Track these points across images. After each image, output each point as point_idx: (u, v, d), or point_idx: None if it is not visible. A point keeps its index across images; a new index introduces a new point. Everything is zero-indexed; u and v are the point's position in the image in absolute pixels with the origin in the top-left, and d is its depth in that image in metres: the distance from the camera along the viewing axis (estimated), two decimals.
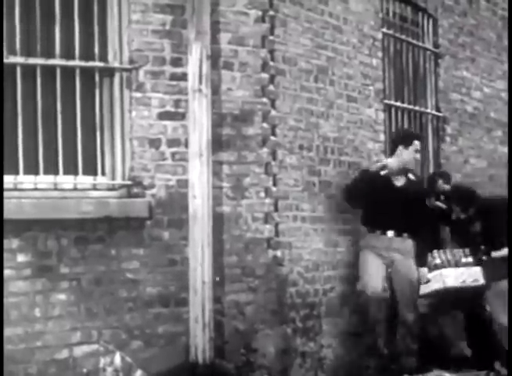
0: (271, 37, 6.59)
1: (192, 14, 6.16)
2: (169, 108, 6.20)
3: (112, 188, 6.10)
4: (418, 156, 7.40)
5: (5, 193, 5.63)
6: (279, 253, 6.60)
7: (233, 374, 6.21)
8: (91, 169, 6.07)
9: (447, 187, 8.39)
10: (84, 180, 6.01)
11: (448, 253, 7.65)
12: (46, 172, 5.90)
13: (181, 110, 6.21)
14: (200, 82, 6.18)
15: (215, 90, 6.29)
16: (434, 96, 9.00)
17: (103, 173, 6.12)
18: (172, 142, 6.20)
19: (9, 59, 5.78)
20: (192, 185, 6.18)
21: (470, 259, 7.61)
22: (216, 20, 6.29)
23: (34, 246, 5.72)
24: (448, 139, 9.14)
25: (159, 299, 6.12)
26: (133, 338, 6.02)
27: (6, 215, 5.50)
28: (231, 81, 6.38)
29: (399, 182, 7.27)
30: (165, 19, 6.17)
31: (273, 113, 6.61)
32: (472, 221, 7.72)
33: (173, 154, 6.20)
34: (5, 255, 5.61)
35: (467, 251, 7.62)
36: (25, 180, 5.82)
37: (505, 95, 9.91)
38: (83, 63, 6.01)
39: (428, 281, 7.37)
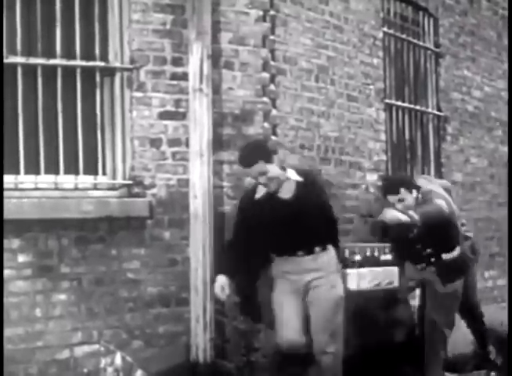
0: (271, 37, 6.56)
1: (192, 14, 6.14)
2: (170, 108, 6.17)
3: (113, 188, 6.07)
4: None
5: (6, 193, 5.62)
6: None
7: (234, 373, 6.18)
8: (91, 169, 6.04)
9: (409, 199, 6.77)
10: (84, 180, 5.99)
11: (368, 249, 6.67)
12: (47, 172, 5.88)
13: (181, 110, 6.19)
14: (201, 82, 6.15)
15: (216, 90, 6.26)
16: (434, 96, 8.95)
17: (104, 173, 6.10)
18: (173, 142, 6.18)
19: (9, 59, 5.76)
20: (193, 184, 6.15)
21: (389, 257, 6.72)
22: (217, 20, 6.26)
23: (35, 246, 5.70)
24: (448, 138, 9.09)
25: (160, 299, 6.10)
26: (134, 338, 6.00)
27: (7, 215, 5.47)
28: (232, 80, 6.35)
29: (285, 194, 5.74)
30: (166, 19, 6.14)
31: (274, 112, 6.58)
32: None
33: (174, 154, 6.17)
34: (6, 255, 5.59)
35: (388, 247, 6.72)
36: (26, 180, 5.80)
37: (505, 94, 9.86)
38: (84, 63, 5.98)
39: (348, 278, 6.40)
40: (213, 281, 5.91)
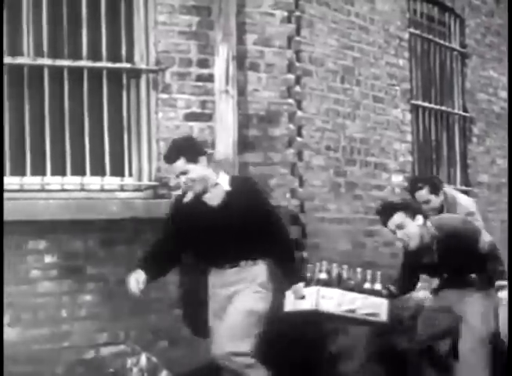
0: (297, 38, 6.54)
1: (218, 15, 6.11)
2: (195, 109, 6.15)
3: (138, 189, 6.06)
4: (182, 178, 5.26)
5: (33, 194, 5.65)
6: (305, 254, 6.52)
7: None
8: (118, 170, 6.04)
9: (434, 200, 6.58)
10: (111, 181, 5.98)
11: (344, 270, 5.52)
12: (73, 173, 5.88)
13: (207, 111, 6.16)
14: (227, 83, 6.12)
15: (241, 91, 6.24)
16: (460, 96, 8.89)
17: (130, 174, 6.09)
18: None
19: (36, 61, 5.77)
20: None
21: (377, 286, 5.54)
22: (242, 21, 6.24)
23: (61, 247, 5.70)
24: (474, 139, 9.02)
25: None
26: (159, 339, 5.97)
27: (34, 216, 5.49)
28: (257, 82, 6.34)
29: (213, 200, 5.27)
30: (192, 21, 6.12)
31: (299, 114, 6.55)
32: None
33: None
34: (33, 256, 5.62)
35: (378, 274, 5.57)
36: (52, 181, 5.80)
37: None
38: (110, 65, 5.98)
39: (303, 297, 5.39)
40: None
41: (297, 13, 6.52)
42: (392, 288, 5.67)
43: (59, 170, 5.84)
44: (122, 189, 6.03)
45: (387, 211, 5.55)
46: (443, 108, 8.62)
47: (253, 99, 6.31)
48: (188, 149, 5.20)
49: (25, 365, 5.41)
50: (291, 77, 6.47)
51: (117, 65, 6.01)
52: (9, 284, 5.52)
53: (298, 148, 6.52)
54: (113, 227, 5.84)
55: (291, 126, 6.47)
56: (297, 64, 6.52)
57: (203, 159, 5.20)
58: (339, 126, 7.06)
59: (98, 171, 5.95)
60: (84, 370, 5.68)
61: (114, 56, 6.01)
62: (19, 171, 5.72)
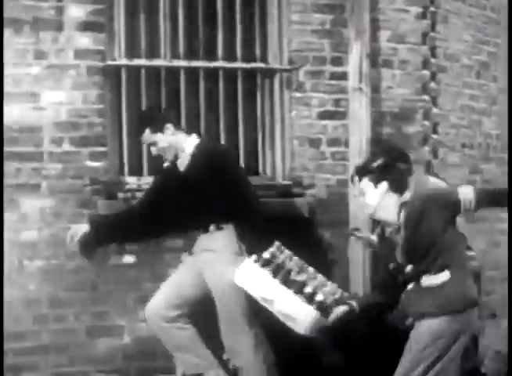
0: (432, 34, 6.37)
1: (351, 13, 6.03)
2: (329, 107, 6.08)
3: (272, 188, 6.01)
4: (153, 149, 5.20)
5: None
6: None
7: None
8: (252, 169, 6.02)
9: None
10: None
11: (293, 262, 4.89)
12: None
13: (341, 110, 6.08)
14: (360, 81, 6.03)
15: (375, 88, 6.14)
16: None
17: (264, 173, 6.07)
18: (332, 142, 6.09)
19: (172, 63, 5.82)
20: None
21: (319, 297, 4.67)
22: (375, 18, 6.14)
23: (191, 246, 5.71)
24: None
25: None
26: None
27: None
28: (391, 79, 6.23)
29: (182, 165, 5.17)
30: (325, 19, 6.05)
31: (434, 110, 6.39)
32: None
33: (333, 154, 6.07)
34: (169, 255, 5.65)
35: (328, 284, 4.78)
36: None
37: None
38: (244, 65, 5.98)
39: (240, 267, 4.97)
40: (371, 281, 5.79)
41: (432, 9, 6.35)
42: (353, 304, 4.44)
43: None
44: (256, 188, 5.98)
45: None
46: None
47: (387, 97, 6.21)
48: (151, 120, 5.15)
49: None
50: (426, 73, 6.32)
51: (252, 65, 6.01)
52: (146, 282, 5.60)
53: (433, 145, 6.36)
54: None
55: (426, 123, 6.33)
56: (432, 60, 6.35)
57: (168, 127, 5.10)
58: (474, 123, 6.86)
59: None
60: None
61: (248, 57, 6.01)
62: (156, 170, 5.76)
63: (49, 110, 5.49)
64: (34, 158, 5.46)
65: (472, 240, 6.38)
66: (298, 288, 4.71)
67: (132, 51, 5.77)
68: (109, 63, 5.65)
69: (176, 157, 5.14)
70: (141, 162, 5.81)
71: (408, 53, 6.25)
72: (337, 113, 6.09)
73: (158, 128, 5.08)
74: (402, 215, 4.22)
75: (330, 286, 4.78)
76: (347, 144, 6.07)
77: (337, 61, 6.07)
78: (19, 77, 5.42)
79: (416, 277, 4.26)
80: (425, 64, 6.31)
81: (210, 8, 5.93)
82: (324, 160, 6.06)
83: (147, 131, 5.10)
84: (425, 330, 4.15)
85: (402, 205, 4.22)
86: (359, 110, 6.04)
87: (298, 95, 6.03)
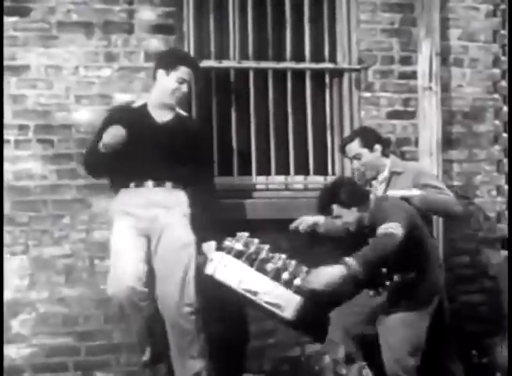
0: (502, 32, 6.17)
1: (421, 11, 5.89)
2: (398, 107, 5.95)
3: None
4: (184, 87, 5.08)
5: (241, 194, 5.65)
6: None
7: None
8: (321, 169, 5.94)
9: (364, 153, 5.35)
10: (315, 180, 5.86)
11: (264, 250, 4.93)
12: (278, 173, 5.84)
13: (410, 109, 5.95)
14: (430, 80, 5.89)
15: (445, 87, 6.00)
16: None
17: (333, 173, 5.97)
18: (402, 141, 5.95)
19: (241, 64, 5.76)
20: None
21: (297, 281, 4.86)
22: (445, 17, 6.00)
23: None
24: None
25: None
26: None
27: (242, 215, 5.52)
28: (461, 77, 6.08)
29: (163, 117, 5.09)
30: (394, 18, 5.92)
31: (505, 109, 6.18)
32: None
33: (403, 153, 5.92)
34: None
35: (302, 269, 4.90)
36: (258, 181, 5.81)
37: None
38: (313, 65, 5.89)
39: (211, 260, 4.87)
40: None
41: (503, 6, 6.15)
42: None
43: (264, 170, 5.82)
44: None
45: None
46: None
47: (457, 95, 6.07)
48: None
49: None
50: (497, 71, 6.14)
51: (320, 65, 5.92)
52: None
53: (504, 144, 6.16)
54: None
55: (497, 122, 6.15)
56: (503, 58, 6.15)
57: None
58: None
59: (302, 170, 5.86)
60: (289, 368, 5.59)
61: (317, 57, 5.93)
62: (227, 171, 5.72)
63: None
64: None
65: None
66: (275, 275, 4.76)
67: (202, 52, 5.73)
68: None
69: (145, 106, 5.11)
70: None
71: (478, 51, 6.09)
72: (407, 113, 5.95)
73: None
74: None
75: (292, 266, 4.84)
76: (416, 143, 5.93)
77: (406, 60, 5.94)
78: (90, 79, 5.42)
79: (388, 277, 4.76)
80: (496, 62, 6.14)
81: (278, 9, 5.86)
82: None
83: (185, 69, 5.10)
84: (398, 324, 4.68)
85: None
86: (429, 109, 5.90)
87: (367, 94, 5.91)
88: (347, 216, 4.79)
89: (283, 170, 5.85)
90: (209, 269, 4.87)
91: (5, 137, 5.30)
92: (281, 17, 5.85)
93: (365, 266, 4.44)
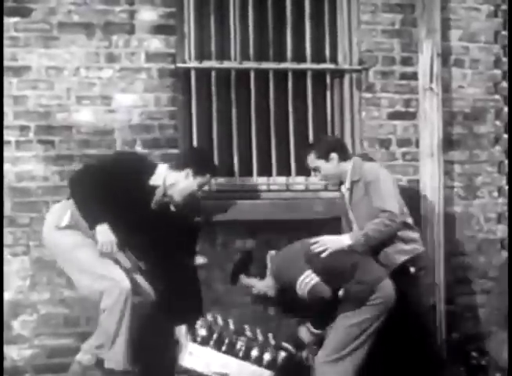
0: (503, 33, 6.12)
1: (422, 12, 5.85)
2: (399, 108, 5.92)
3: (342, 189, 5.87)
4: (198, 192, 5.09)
5: (245, 194, 5.65)
6: None
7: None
8: None
9: (321, 165, 5.25)
10: (315, 181, 5.81)
11: (230, 328, 4.96)
12: (279, 174, 5.82)
13: (411, 110, 5.92)
14: (431, 81, 5.85)
15: (446, 88, 5.96)
16: None
17: None
18: (403, 142, 5.92)
19: (242, 65, 5.73)
20: (424, 185, 5.86)
21: (266, 356, 4.87)
22: (447, 17, 5.96)
23: (269, 246, 5.60)
24: None
25: None
26: None
27: (242, 216, 5.47)
28: (462, 78, 6.04)
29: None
30: (395, 19, 5.89)
31: (506, 110, 6.14)
32: None
33: (403, 154, 5.91)
34: None
35: (269, 338, 4.96)
36: (259, 182, 5.78)
37: None
38: (314, 66, 5.87)
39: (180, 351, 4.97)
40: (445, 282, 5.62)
41: (504, 7, 6.11)
42: (289, 347, 5.00)
43: (265, 171, 5.79)
44: (326, 188, 5.87)
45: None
46: None
47: (458, 96, 6.03)
48: None
49: None
50: (498, 72, 6.10)
51: (321, 66, 5.89)
52: (216, 282, 5.56)
53: (505, 145, 6.13)
54: (318, 226, 5.67)
55: (498, 123, 6.12)
56: (504, 59, 6.11)
57: None
58: None
59: (302, 171, 5.81)
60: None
61: (318, 57, 5.90)
62: (228, 172, 5.71)
63: (121, 112, 5.44)
64: None
65: None
66: (245, 354, 4.81)
67: (203, 53, 5.71)
68: (180, 65, 5.59)
69: None
70: None
71: (479, 52, 6.05)
72: (408, 114, 5.92)
73: None
74: None
75: (258, 339, 4.90)
76: (417, 144, 5.90)
77: (407, 61, 5.91)
78: (91, 80, 5.39)
79: None
80: (497, 63, 6.10)
81: (279, 9, 5.83)
82: (394, 160, 5.89)
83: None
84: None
85: None
86: (430, 110, 5.87)
87: (368, 95, 5.88)
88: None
89: (284, 171, 5.83)
90: (179, 359, 4.93)
91: (6, 138, 5.30)
92: (282, 18, 5.82)
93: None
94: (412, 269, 5.09)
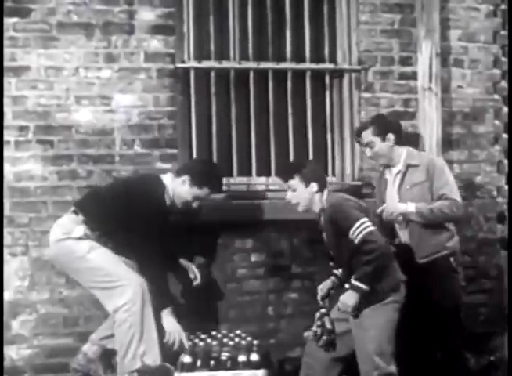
0: (502, 32, 6.08)
1: (421, 12, 5.81)
2: (398, 107, 5.87)
3: (342, 188, 5.80)
4: (194, 203, 5.00)
5: (239, 195, 5.59)
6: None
7: None
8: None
9: (376, 142, 5.17)
10: None
11: (215, 342, 4.85)
12: (278, 174, 5.73)
13: (410, 110, 5.87)
14: (430, 80, 5.81)
15: (445, 88, 5.92)
16: None
17: (333, 174, 5.90)
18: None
19: (242, 65, 5.68)
20: None
21: (253, 357, 4.74)
22: (445, 17, 5.92)
23: (268, 246, 5.57)
24: None
25: None
26: None
27: (241, 216, 5.43)
28: (461, 78, 6.00)
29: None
30: (394, 19, 5.85)
31: (505, 110, 6.09)
32: None
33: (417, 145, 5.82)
34: (240, 255, 5.58)
35: (253, 343, 4.83)
36: (258, 182, 5.73)
37: None
38: (313, 66, 5.82)
39: None
40: None
41: (503, 7, 6.06)
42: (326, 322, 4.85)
43: (264, 171, 5.75)
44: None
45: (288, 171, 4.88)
46: None
47: (457, 96, 5.98)
48: None
49: None
50: (497, 72, 6.05)
51: (320, 66, 5.85)
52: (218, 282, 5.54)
53: (504, 145, 6.08)
54: (318, 227, 5.63)
55: (497, 123, 6.07)
56: (503, 59, 6.06)
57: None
58: None
59: None
60: (291, 368, 5.49)
61: (317, 57, 5.86)
62: (226, 171, 5.63)
63: (120, 112, 5.40)
64: (106, 160, 5.38)
65: None
66: (232, 364, 4.71)
67: (202, 53, 5.67)
68: (179, 65, 5.54)
69: None
70: None
71: (478, 52, 6.01)
72: (407, 114, 5.87)
73: None
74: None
75: (242, 344, 4.81)
76: (416, 144, 5.82)
77: (406, 61, 5.86)
78: (90, 80, 5.35)
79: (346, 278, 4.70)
80: (496, 63, 6.05)
81: (278, 9, 5.79)
82: None
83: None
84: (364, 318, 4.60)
85: (320, 211, 4.76)
86: (429, 110, 5.83)
87: (367, 95, 5.83)
88: (302, 192, 4.77)
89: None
90: None
91: (6, 138, 5.26)
92: (281, 18, 5.78)
93: (369, 280, 4.54)
94: (453, 262, 5.07)
